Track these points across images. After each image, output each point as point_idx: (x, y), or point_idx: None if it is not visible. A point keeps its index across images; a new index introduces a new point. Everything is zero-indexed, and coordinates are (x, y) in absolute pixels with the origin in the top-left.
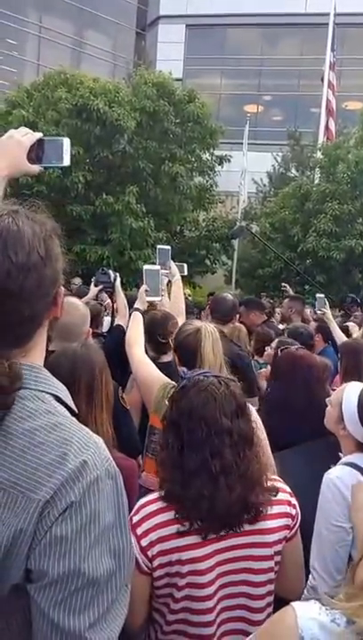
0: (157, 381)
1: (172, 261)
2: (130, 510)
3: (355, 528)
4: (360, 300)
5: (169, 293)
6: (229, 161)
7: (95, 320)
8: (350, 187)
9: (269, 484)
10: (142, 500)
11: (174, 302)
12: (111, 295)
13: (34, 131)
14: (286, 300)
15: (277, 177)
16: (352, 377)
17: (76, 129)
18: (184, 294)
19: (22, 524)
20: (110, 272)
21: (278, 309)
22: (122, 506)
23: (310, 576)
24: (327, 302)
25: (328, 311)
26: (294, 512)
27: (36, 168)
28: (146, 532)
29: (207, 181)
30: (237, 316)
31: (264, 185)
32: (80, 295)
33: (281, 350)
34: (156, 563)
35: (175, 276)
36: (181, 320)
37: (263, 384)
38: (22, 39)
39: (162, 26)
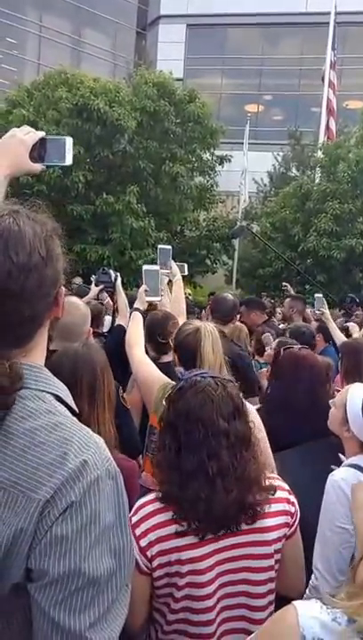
0: (158, 381)
1: (172, 261)
2: (130, 510)
3: (355, 527)
4: (360, 300)
5: (170, 293)
6: (229, 161)
7: (96, 320)
8: (350, 186)
9: (267, 482)
10: (141, 501)
11: (175, 302)
12: (112, 295)
13: None
14: (288, 300)
15: (277, 176)
16: (353, 377)
17: (77, 128)
18: (185, 294)
19: (23, 524)
20: (111, 272)
21: (279, 309)
22: (122, 506)
23: (313, 576)
24: (326, 302)
25: (327, 311)
26: (293, 510)
27: (38, 167)
28: (145, 533)
29: (208, 181)
30: (238, 315)
31: (265, 185)
32: (80, 295)
33: (284, 350)
34: (155, 563)
35: (176, 275)
36: (181, 320)
37: (264, 384)
38: (23, 38)
39: (162, 25)
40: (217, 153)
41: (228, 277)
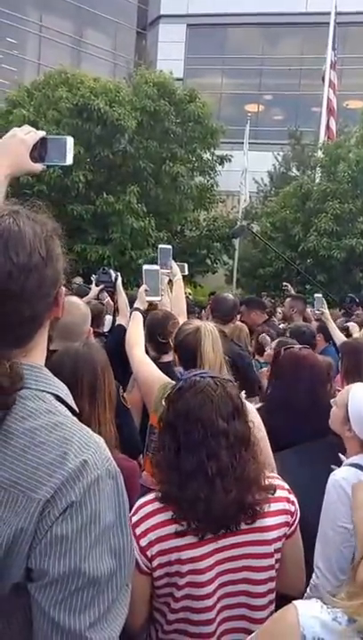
0: (158, 381)
1: (173, 261)
2: (130, 510)
3: (355, 527)
4: (360, 300)
5: (171, 293)
6: (229, 160)
7: (97, 319)
8: (350, 186)
9: (266, 482)
10: (140, 501)
11: (176, 302)
12: (112, 295)
13: None
14: (288, 300)
15: (277, 176)
16: (353, 376)
17: (77, 128)
18: (185, 293)
19: (23, 523)
20: (111, 271)
21: (279, 309)
22: (122, 506)
23: (314, 574)
24: (325, 302)
25: (327, 311)
26: (292, 509)
27: (38, 166)
28: (145, 532)
29: (208, 181)
30: (239, 315)
31: (265, 184)
32: (81, 294)
33: (284, 350)
34: (155, 562)
35: (176, 275)
36: (182, 320)
37: (265, 383)
38: (23, 38)
39: (163, 25)
40: (217, 153)
41: (228, 277)
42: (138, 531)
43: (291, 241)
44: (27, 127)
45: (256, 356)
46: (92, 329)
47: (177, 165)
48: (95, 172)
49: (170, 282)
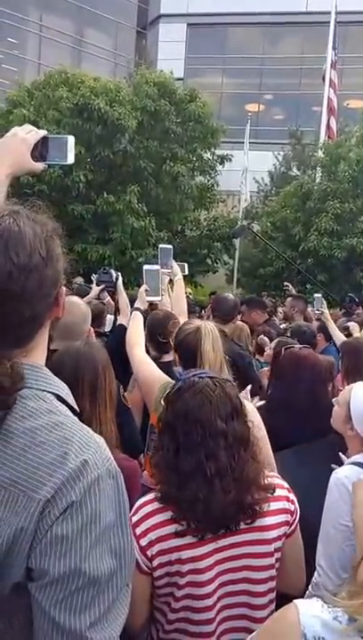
0: (158, 381)
1: (173, 260)
2: (130, 510)
3: (355, 525)
4: (359, 300)
5: (171, 292)
6: (230, 160)
7: (98, 319)
8: (351, 185)
9: (266, 481)
10: (140, 501)
11: (176, 301)
12: (113, 294)
13: None
14: (289, 299)
15: (278, 176)
16: (353, 376)
17: (77, 128)
18: (185, 293)
19: (23, 523)
20: (112, 271)
21: (280, 308)
22: (123, 505)
23: (316, 573)
24: (325, 302)
25: (326, 311)
26: (292, 508)
27: (39, 166)
28: (145, 532)
29: (208, 181)
30: (239, 315)
31: (266, 184)
32: (81, 294)
33: (285, 349)
34: (155, 562)
35: (177, 275)
36: (183, 319)
37: (265, 383)
38: (23, 38)
39: (163, 25)
40: (218, 152)
41: (229, 277)
42: (138, 530)
43: (291, 240)
44: (28, 126)
45: (257, 356)
46: (93, 329)
47: (177, 165)
48: (96, 172)
49: (170, 281)
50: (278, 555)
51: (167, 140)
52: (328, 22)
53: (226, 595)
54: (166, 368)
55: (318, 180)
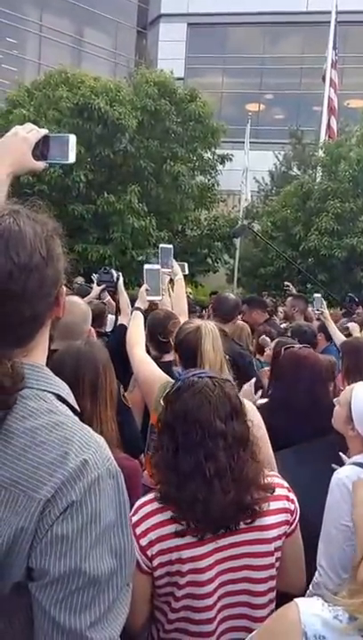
0: (158, 380)
1: (174, 260)
2: (130, 510)
3: (355, 524)
4: (359, 299)
5: (172, 292)
6: (230, 160)
7: (99, 319)
8: (351, 185)
9: (266, 480)
10: (140, 501)
11: (177, 301)
12: (114, 294)
13: None
14: (290, 299)
15: (278, 175)
16: (354, 375)
17: (78, 128)
18: (186, 293)
19: (23, 523)
20: (113, 271)
21: (280, 308)
22: (123, 505)
23: (317, 572)
24: (325, 301)
25: (326, 311)
26: (292, 507)
27: (40, 165)
28: (145, 532)
29: (209, 180)
30: (240, 315)
31: (266, 184)
32: (82, 294)
33: (284, 349)
34: (156, 562)
35: (178, 274)
36: (183, 319)
37: (266, 382)
38: (23, 38)
39: (163, 24)
40: (218, 152)
41: (229, 276)
42: (138, 530)
43: (292, 240)
44: (29, 125)
45: (257, 356)
46: (94, 329)
47: (178, 165)
48: (96, 172)
49: (171, 281)
50: (278, 554)
51: (168, 139)
52: (329, 22)
53: (226, 594)
54: (167, 368)
55: (318, 180)
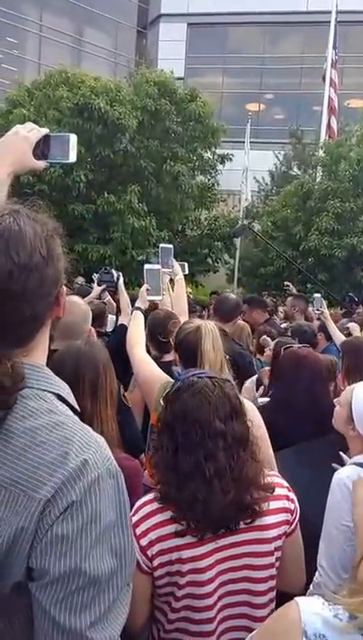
0: (158, 380)
1: (174, 260)
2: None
3: (355, 523)
4: (359, 299)
5: (172, 292)
6: (230, 159)
7: (99, 319)
8: (352, 184)
9: (265, 480)
10: (140, 501)
11: (177, 301)
12: (114, 294)
13: None
14: (290, 299)
15: (279, 175)
16: (354, 375)
17: (78, 128)
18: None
19: (23, 523)
20: (113, 271)
21: (281, 308)
22: (123, 505)
23: (317, 572)
24: (325, 301)
25: (326, 310)
26: (292, 507)
27: (41, 164)
28: (145, 532)
29: (209, 180)
30: (241, 314)
31: (266, 183)
32: (82, 294)
33: (284, 349)
34: (156, 562)
35: (178, 274)
36: (183, 319)
37: (266, 382)
38: (23, 38)
39: (163, 24)
40: (218, 152)
41: (229, 276)
42: (138, 530)
43: (292, 240)
44: (30, 124)
45: (257, 355)
46: (94, 328)
47: (178, 165)
48: (96, 172)
49: (171, 281)
50: (278, 554)
51: (168, 139)
52: (329, 22)
53: (226, 594)
54: (167, 368)
55: (318, 180)
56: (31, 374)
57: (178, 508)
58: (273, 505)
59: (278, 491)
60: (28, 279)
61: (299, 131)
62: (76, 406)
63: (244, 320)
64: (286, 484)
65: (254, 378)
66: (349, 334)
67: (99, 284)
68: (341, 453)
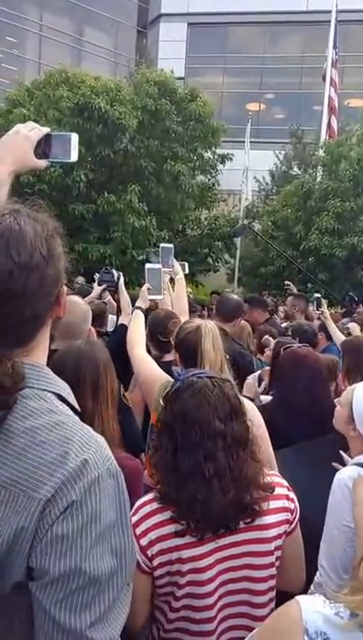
0: (159, 380)
1: (174, 260)
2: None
3: (355, 522)
4: (359, 298)
5: (172, 291)
6: (231, 159)
7: (99, 319)
8: (352, 184)
9: (265, 480)
10: (140, 501)
11: (177, 301)
12: (114, 294)
13: None
14: (290, 298)
15: (279, 175)
16: (355, 375)
17: (78, 128)
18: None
19: (23, 522)
20: (113, 271)
21: (281, 307)
22: (123, 505)
23: (318, 572)
24: (324, 302)
25: (326, 310)
26: (292, 506)
27: (42, 163)
28: (145, 532)
29: (209, 180)
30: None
31: (266, 183)
32: (83, 294)
33: (284, 349)
34: (156, 562)
35: (178, 274)
36: (183, 319)
37: (267, 382)
38: (23, 37)
39: (163, 24)
40: (218, 151)
41: (229, 276)
42: (138, 530)
43: (292, 239)
44: (31, 124)
45: (258, 355)
46: (94, 328)
47: (178, 164)
48: (96, 172)
49: (172, 280)
50: (278, 553)
51: (168, 139)
52: (329, 21)
53: (227, 593)
54: (167, 367)
55: (318, 179)
56: (31, 374)
57: (177, 509)
58: (273, 504)
59: (277, 490)
60: (29, 279)
61: (299, 130)
62: (77, 406)
63: (244, 320)
64: (285, 483)
65: (257, 374)
66: (349, 334)
67: (99, 284)
68: (342, 453)
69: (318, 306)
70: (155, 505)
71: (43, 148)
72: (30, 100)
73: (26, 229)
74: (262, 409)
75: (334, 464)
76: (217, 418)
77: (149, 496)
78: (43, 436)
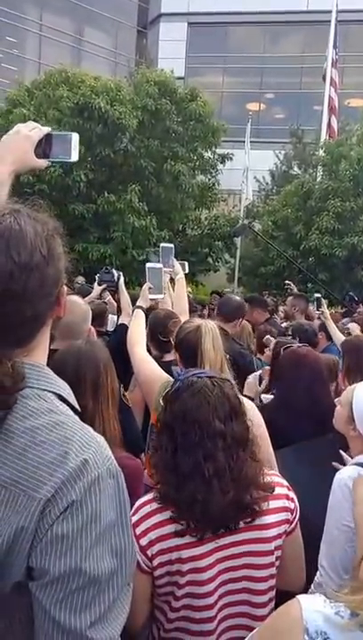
0: (159, 379)
1: (175, 259)
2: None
3: (355, 522)
4: (359, 298)
5: (172, 291)
6: (231, 159)
7: (99, 319)
8: (352, 184)
9: (265, 479)
10: (140, 501)
11: (178, 300)
12: (114, 294)
13: None
14: (290, 298)
15: (279, 175)
16: (355, 374)
17: (78, 127)
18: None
19: (23, 522)
20: (114, 271)
21: (281, 307)
22: (124, 505)
23: (318, 572)
24: (324, 302)
25: (326, 310)
26: (292, 506)
27: (43, 163)
28: (145, 532)
29: (209, 180)
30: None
31: (267, 183)
32: (83, 294)
33: (284, 349)
34: (156, 562)
35: (179, 274)
36: (184, 318)
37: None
38: (23, 37)
39: (163, 24)
40: (219, 151)
41: (230, 276)
42: (138, 530)
43: (292, 239)
44: (31, 123)
45: (258, 355)
46: (94, 328)
47: (178, 164)
48: (96, 171)
49: (172, 280)
50: (278, 553)
51: (168, 139)
52: (329, 21)
53: (227, 593)
54: (168, 367)
55: (319, 179)
56: (31, 374)
57: (177, 509)
58: (273, 504)
59: (277, 490)
60: (29, 279)
61: (299, 130)
62: (77, 406)
63: (244, 319)
64: (285, 483)
65: (258, 373)
66: (349, 334)
67: (99, 284)
68: (342, 453)
69: (319, 306)
70: (155, 505)
71: (43, 147)
72: (30, 99)
73: (26, 229)
74: (262, 408)
75: (334, 464)
76: (217, 418)
77: (149, 496)
78: (43, 436)
